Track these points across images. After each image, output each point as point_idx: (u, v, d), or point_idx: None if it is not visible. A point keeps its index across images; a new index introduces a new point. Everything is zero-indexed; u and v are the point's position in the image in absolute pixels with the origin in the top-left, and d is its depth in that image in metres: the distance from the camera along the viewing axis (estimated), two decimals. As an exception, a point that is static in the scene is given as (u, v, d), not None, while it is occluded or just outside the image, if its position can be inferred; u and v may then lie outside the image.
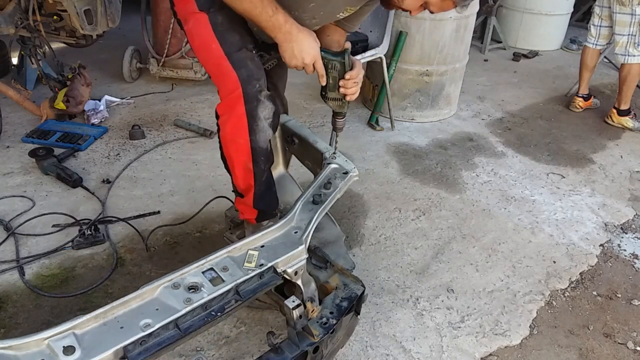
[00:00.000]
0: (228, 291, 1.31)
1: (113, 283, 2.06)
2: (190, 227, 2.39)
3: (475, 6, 3.61)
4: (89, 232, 2.24)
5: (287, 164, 1.99)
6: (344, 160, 1.69)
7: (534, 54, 4.98)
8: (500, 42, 5.08)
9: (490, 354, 1.86)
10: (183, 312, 1.24)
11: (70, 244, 2.22)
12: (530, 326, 1.98)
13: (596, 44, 3.62)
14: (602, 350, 1.91)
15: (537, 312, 2.05)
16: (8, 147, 2.92)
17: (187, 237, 2.33)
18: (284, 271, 1.43)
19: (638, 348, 1.92)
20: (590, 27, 3.64)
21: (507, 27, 5.16)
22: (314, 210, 1.54)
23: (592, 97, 3.84)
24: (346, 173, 1.65)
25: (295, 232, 1.49)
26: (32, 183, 2.62)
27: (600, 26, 3.56)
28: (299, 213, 1.54)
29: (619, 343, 1.94)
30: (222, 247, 1.41)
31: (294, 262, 1.45)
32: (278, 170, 1.96)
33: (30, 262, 2.13)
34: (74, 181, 2.58)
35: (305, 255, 1.47)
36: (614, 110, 3.60)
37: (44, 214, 2.39)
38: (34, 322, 1.87)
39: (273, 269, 1.40)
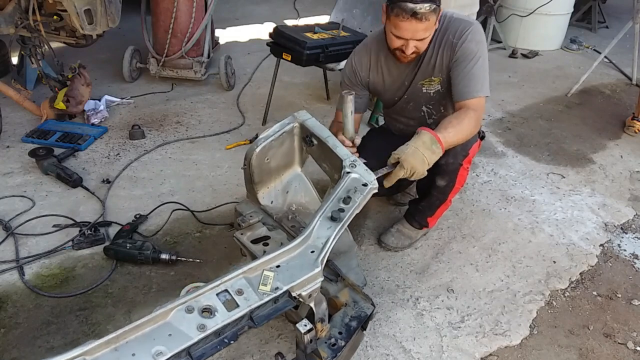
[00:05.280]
0: (242, 317, 1.28)
1: (113, 283, 2.06)
2: (191, 226, 2.39)
3: (475, 6, 3.62)
4: (89, 232, 2.24)
5: (302, 163, 1.94)
6: (364, 169, 1.62)
7: (534, 54, 4.98)
8: (500, 42, 5.08)
9: (490, 354, 1.86)
10: (196, 339, 1.20)
11: (70, 243, 2.22)
12: (530, 326, 1.98)
13: None
14: (602, 350, 1.91)
15: (537, 312, 2.05)
16: (8, 147, 2.92)
17: (187, 237, 2.33)
18: (299, 295, 1.39)
19: (638, 348, 1.92)
20: None
21: (507, 27, 5.16)
22: (332, 228, 1.48)
23: None
24: (365, 185, 1.58)
25: (312, 252, 1.44)
26: (32, 183, 2.62)
27: None
28: (316, 230, 1.48)
29: (619, 343, 1.94)
30: (237, 267, 1.37)
31: (309, 285, 1.41)
32: (293, 169, 1.92)
33: (30, 262, 2.13)
34: (73, 181, 2.58)
35: (321, 279, 1.42)
36: (638, 123, 3.50)
37: (43, 215, 2.39)
38: (34, 322, 1.87)
39: (288, 292, 1.36)
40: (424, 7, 1.70)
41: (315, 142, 1.78)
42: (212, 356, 1.75)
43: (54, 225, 2.33)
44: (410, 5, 1.70)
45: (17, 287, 2.02)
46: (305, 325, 1.39)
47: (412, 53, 1.87)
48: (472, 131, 1.85)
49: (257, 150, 1.75)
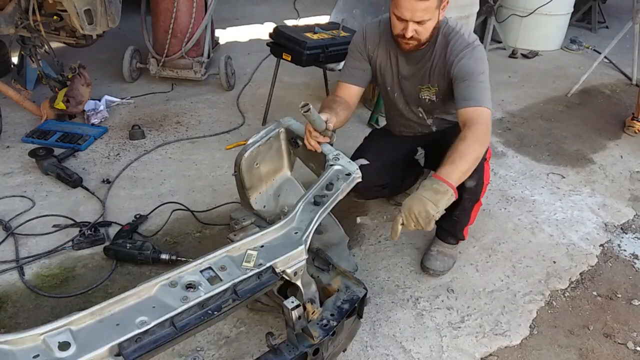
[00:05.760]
0: (225, 290, 1.31)
1: (113, 283, 2.06)
2: (191, 226, 2.39)
3: (475, 6, 3.61)
4: (89, 232, 2.24)
5: (291, 167, 1.97)
6: (347, 161, 1.67)
7: (534, 54, 4.98)
8: (500, 42, 5.08)
9: (490, 354, 1.86)
10: (179, 310, 1.24)
11: (70, 243, 2.22)
12: (530, 326, 1.98)
13: None
14: (602, 350, 1.91)
15: (537, 312, 2.05)
16: (8, 147, 2.92)
17: (187, 237, 2.33)
18: (283, 271, 1.42)
19: (638, 348, 1.92)
20: None
21: (507, 27, 5.15)
22: (315, 211, 1.53)
23: None
24: (349, 175, 1.63)
25: (296, 233, 1.49)
26: (32, 183, 2.62)
27: None
28: (299, 214, 1.53)
29: (619, 343, 1.94)
30: (221, 247, 1.41)
31: (293, 262, 1.44)
32: (283, 173, 1.95)
33: (30, 262, 2.13)
34: (74, 181, 2.58)
35: (305, 256, 1.46)
36: (638, 123, 3.50)
37: (43, 216, 2.39)
38: (34, 322, 1.87)
39: (271, 268, 1.40)
40: None
41: (300, 143, 1.83)
42: (211, 356, 1.77)
43: (54, 226, 2.33)
44: None
45: (17, 287, 2.02)
46: (292, 302, 1.42)
47: (412, 39, 1.87)
48: (478, 150, 1.74)
49: (245, 155, 1.79)
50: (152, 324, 1.20)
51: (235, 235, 1.81)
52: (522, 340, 1.92)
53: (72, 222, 2.35)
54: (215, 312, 1.29)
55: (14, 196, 2.51)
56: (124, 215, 2.42)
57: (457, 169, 1.67)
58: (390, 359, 1.81)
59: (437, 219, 1.61)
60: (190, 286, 1.30)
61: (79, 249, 2.20)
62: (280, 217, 1.89)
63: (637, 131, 3.51)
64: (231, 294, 1.33)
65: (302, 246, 1.45)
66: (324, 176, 1.63)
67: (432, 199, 1.60)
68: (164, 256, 2.11)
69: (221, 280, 1.32)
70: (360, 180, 1.65)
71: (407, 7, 1.79)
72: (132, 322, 1.19)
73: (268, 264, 1.39)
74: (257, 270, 1.37)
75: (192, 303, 1.25)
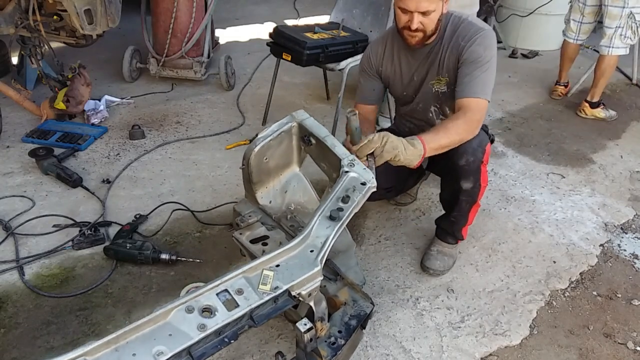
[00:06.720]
0: (242, 316, 1.28)
1: (113, 283, 2.06)
2: (191, 226, 2.39)
3: (475, 6, 3.61)
4: (89, 232, 2.24)
5: (300, 163, 1.94)
6: (362, 168, 1.62)
7: (534, 54, 4.98)
8: (500, 42, 5.08)
9: (490, 354, 1.86)
10: (196, 339, 1.21)
11: (70, 243, 2.22)
12: (530, 326, 1.98)
13: (577, 39, 3.77)
14: (602, 350, 1.91)
15: (537, 312, 2.05)
16: (8, 147, 2.92)
17: (187, 237, 2.33)
18: (299, 294, 1.39)
19: (638, 348, 1.92)
20: (569, 21, 3.76)
21: (507, 27, 5.15)
22: (331, 227, 1.48)
23: (569, 83, 4.07)
24: (364, 184, 1.58)
25: (311, 251, 1.44)
26: (32, 183, 2.62)
27: (581, 22, 3.68)
28: (315, 229, 1.48)
29: (619, 343, 1.94)
30: (236, 267, 1.37)
31: (309, 284, 1.41)
32: (291, 169, 1.92)
33: (30, 262, 2.13)
34: (73, 181, 2.58)
35: (320, 278, 1.43)
36: (586, 104, 3.71)
37: (43, 215, 2.39)
38: (34, 322, 1.87)
39: (288, 292, 1.36)
40: None
41: (313, 141, 1.77)
42: (212, 356, 1.76)
43: (54, 225, 2.33)
44: None
45: (17, 287, 2.02)
46: (305, 324, 1.40)
47: (418, 31, 1.88)
48: (463, 133, 1.84)
49: (256, 149, 1.75)
50: (170, 354, 1.16)
51: (241, 234, 1.77)
52: (522, 340, 1.92)
53: (72, 222, 2.36)
54: (232, 340, 1.26)
55: (14, 196, 2.52)
56: (124, 215, 2.42)
57: (437, 140, 1.77)
58: (390, 359, 1.81)
59: (398, 159, 1.68)
60: (206, 310, 1.26)
61: (79, 249, 2.20)
62: (286, 217, 1.88)
63: (560, 94, 3.97)
64: (247, 320, 1.30)
65: (318, 267, 1.40)
66: (340, 185, 1.57)
67: (404, 143, 1.70)
68: (164, 256, 2.11)
69: (237, 305, 1.28)
70: (375, 190, 1.61)
71: None
72: (149, 352, 1.16)
73: (284, 287, 1.35)
74: (274, 295, 1.33)
75: (209, 331, 1.22)
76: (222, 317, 1.25)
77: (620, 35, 3.43)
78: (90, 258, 2.17)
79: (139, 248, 2.12)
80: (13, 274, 2.08)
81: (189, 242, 2.30)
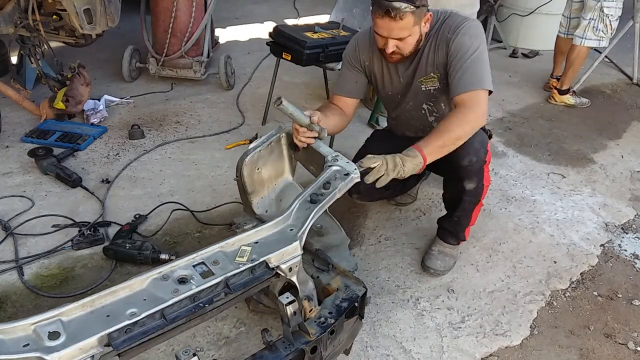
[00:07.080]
0: (217, 284, 1.32)
1: (112, 283, 2.03)
2: (190, 226, 2.39)
3: (475, 6, 3.61)
4: (88, 232, 2.24)
5: (293, 171, 1.97)
6: (345, 162, 1.67)
7: (534, 54, 4.98)
8: (501, 41, 5.08)
9: (491, 354, 1.86)
10: (170, 302, 1.24)
11: (69, 243, 2.22)
12: (530, 326, 1.98)
13: (567, 34, 3.88)
14: (602, 350, 1.90)
15: (537, 313, 2.04)
16: (7, 147, 2.92)
17: (187, 237, 2.32)
18: (277, 267, 1.42)
19: (639, 348, 1.91)
20: (562, 17, 3.92)
21: (508, 27, 5.15)
22: (311, 209, 1.53)
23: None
24: (347, 174, 1.63)
25: (291, 230, 1.48)
26: (32, 183, 2.62)
27: (570, 17, 3.83)
28: (295, 211, 1.53)
29: (619, 343, 1.93)
30: (215, 243, 1.41)
31: (287, 257, 1.44)
32: (284, 178, 1.94)
33: (29, 262, 2.13)
34: (73, 181, 2.58)
35: (300, 252, 1.46)
36: (555, 91, 3.88)
37: (43, 215, 2.38)
38: (33, 323, 1.86)
39: (265, 263, 1.39)
40: (399, 5, 1.71)
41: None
42: (211, 356, 1.76)
43: (54, 225, 2.33)
44: (385, 2, 1.73)
45: (16, 287, 2.01)
46: (287, 297, 1.41)
47: (394, 53, 1.87)
48: (458, 130, 1.80)
49: (247, 160, 1.79)
50: (142, 315, 1.20)
51: None
52: (522, 341, 1.92)
53: (72, 222, 2.35)
54: (206, 305, 1.28)
55: (13, 196, 2.51)
56: (124, 215, 2.42)
57: (432, 143, 1.78)
58: (390, 359, 1.81)
59: (402, 175, 1.72)
60: (182, 280, 1.30)
61: (78, 249, 2.20)
62: None
63: (550, 87, 4.02)
64: (223, 288, 1.33)
65: (297, 242, 1.44)
66: (322, 176, 1.63)
67: (401, 157, 1.74)
68: (163, 256, 2.11)
69: (213, 274, 1.33)
70: (358, 180, 1.65)
71: (383, 27, 1.80)
72: (122, 314, 1.20)
73: (261, 259, 1.39)
74: (250, 265, 1.37)
75: (183, 295, 1.26)
76: (197, 283, 1.30)
77: (593, 27, 3.58)
78: (89, 258, 2.17)
79: (138, 248, 2.12)
80: (12, 274, 2.08)
81: (189, 242, 2.30)
